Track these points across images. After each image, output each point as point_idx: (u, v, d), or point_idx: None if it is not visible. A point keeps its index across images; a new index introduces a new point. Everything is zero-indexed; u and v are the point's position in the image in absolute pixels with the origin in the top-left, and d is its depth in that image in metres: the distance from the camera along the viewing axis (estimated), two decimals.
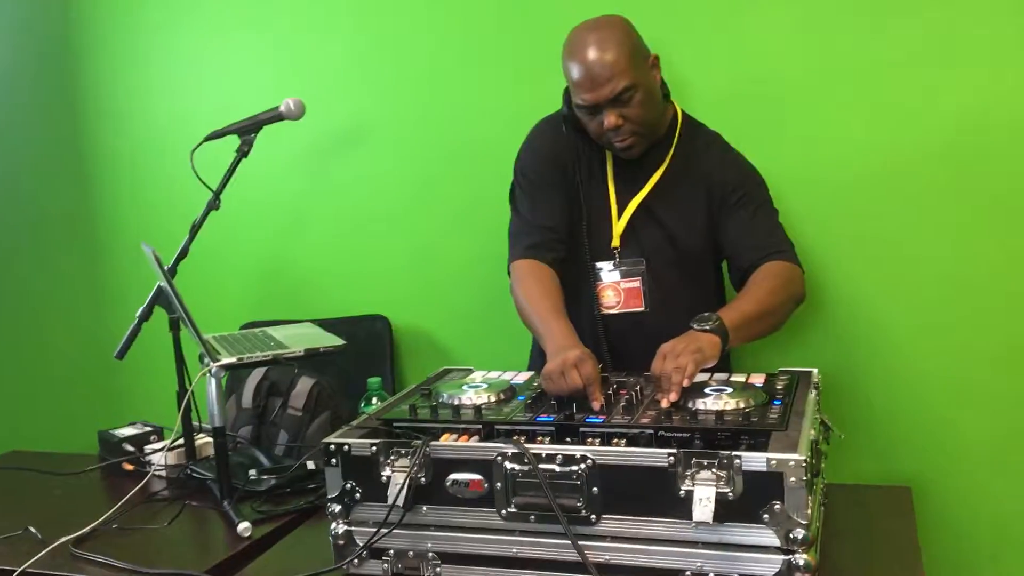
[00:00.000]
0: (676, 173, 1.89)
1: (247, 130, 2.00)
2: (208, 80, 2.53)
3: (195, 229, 1.94)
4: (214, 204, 1.94)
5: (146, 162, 2.63)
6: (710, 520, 1.22)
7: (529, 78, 2.21)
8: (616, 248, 1.90)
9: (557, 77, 1.82)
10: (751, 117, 2.07)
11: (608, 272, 1.90)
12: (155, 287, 1.90)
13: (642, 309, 1.88)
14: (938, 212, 2.00)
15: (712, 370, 1.60)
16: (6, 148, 2.71)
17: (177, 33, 2.55)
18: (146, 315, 1.90)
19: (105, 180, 2.68)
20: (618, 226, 1.89)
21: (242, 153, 1.99)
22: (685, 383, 1.45)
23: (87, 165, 2.69)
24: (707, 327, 1.59)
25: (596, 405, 1.46)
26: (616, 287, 1.90)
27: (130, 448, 2.03)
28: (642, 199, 1.88)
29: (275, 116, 2.04)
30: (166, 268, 1.79)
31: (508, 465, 1.33)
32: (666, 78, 1.88)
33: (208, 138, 1.97)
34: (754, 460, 1.22)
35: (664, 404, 1.43)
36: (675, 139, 1.90)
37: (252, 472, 1.83)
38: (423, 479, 1.37)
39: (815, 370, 1.62)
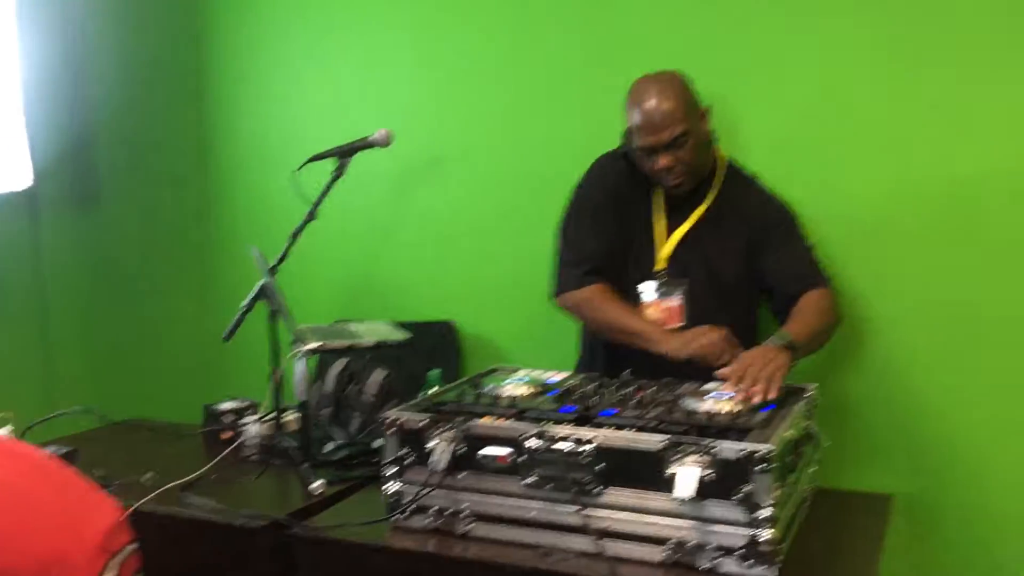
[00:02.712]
0: (719, 209, 2.14)
1: (343, 154, 2.34)
2: (314, 106, 2.90)
3: (294, 236, 2.28)
4: (311, 216, 2.28)
5: (257, 175, 3.01)
6: (692, 496, 1.47)
7: (590, 118, 2.49)
8: (661, 271, 2.15)
9: (615, 118, 2.10)
10: (789, 163, 2.31)
11: (652, 292, 2.16)
12: (258, 284, 2.25)
13: (682, 325, 2.12)
14: (947, 252, 2.20)
15: None
16: (139, 155, 3.03)
17: (292, 65, 2.93)
18: (250, 307, 2.24)
19: (223, 187, 3.07)
20: (664, 251, 2.15)
21: (338, 174, 2.33)
22: (772, 394, 1.67)
23: (208, 173, 3.09)
24: (783, 343, 1.82)
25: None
26: (658, 305, 2.16)
27: (229, 419, 2.37)
28: (687, 230, 2.14)
29: (367, 143, 2.38)
30: (269, 268, 2.13)
31: (531, 443, 1.61)
32: (717, 126, 2.14)
33: (310, 160, 2.32)
34: (729, 448, 1.47)
35: (757, 400, 1.66)
36: (720, 180, 2.15)
37: (328, 444, 2.16)
38: (461, 450, 1.66)
39: (811, 385, 1.84)
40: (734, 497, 1.45)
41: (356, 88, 2.84)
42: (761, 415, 1.63)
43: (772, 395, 1.68)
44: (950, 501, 2.23)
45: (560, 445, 1.57)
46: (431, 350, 2.61)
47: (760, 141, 2.33)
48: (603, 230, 2.16)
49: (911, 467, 2.25)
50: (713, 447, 1.47)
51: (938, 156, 2.19)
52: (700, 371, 1.87)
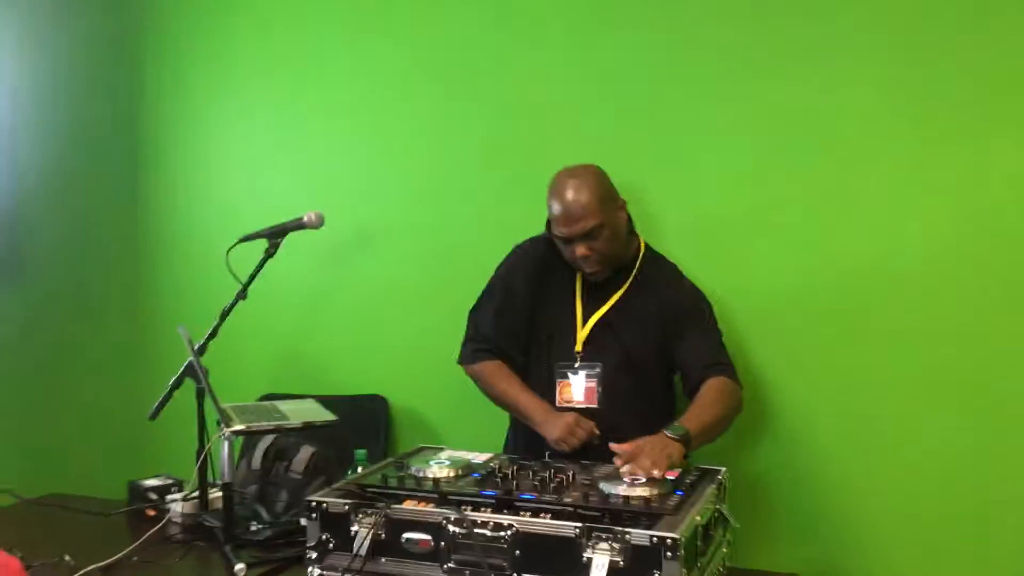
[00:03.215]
0: (635, 294, 2.23)
1: (275, 235, 2.38)
2: (247, 186, 2.95)
3: (224, 315, 2.31)
4: (242, 295, 2.32)
5: (187, 252, 3.04)
6: None
7: (519, 202, 2.58)
8: (579, 352, 2.24)
9: (538, 203, 2.20)
10: (705, 245, 2.43)
11: (571, 374, 2.24)
12: (186, 362, 2.27)
13: (596, 406, 2.20)
14: (848, 337, 2.33)
15: None
16: (69, 228, 3.03)
17: (224, 142, 2.98)
18: (177, 384, 2.26)
19: (154, 264, 3.09)
20: (581, 334, 2.24)
21: (269, 254, 2.36)
22: (657, 474, 1.75)
23: (139, 250, 3.11)
24: (676, 436, 1.89)
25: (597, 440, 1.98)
26: (576, 385, 2.23)
27: (153, 496, 2.36)
28: (603, 313, 2.23)
29: (299, 225, 2.43)
30: (196, 347, 2.15)
31: (451, 528, 1.65)
32: (635, 213, 2.24)
33: (241, 240, 2.36)
34: (640, 536, 1.53)
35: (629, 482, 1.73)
36: (636, 266, 2.25)
37: (253, 524, 2.16)
38: (383, 535, 1.69)
39: (723, 468, 1.92)
40: None
41: (287, 166, 2.91)
42: (674, 498, 1.69)
43: (657, 475, 1.75)
44: None
45: (479, 531, 1.62)
46: (361, 423, 2.64)
47: (675, 231, 2.45)
48: (506, 312, 2.28)
49: (819, 546, 2.34)
50: (626, 534, 1.53)
51: (836, 245, 2.33)
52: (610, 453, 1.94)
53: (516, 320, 2.27)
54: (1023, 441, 2.19)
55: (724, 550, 1.86)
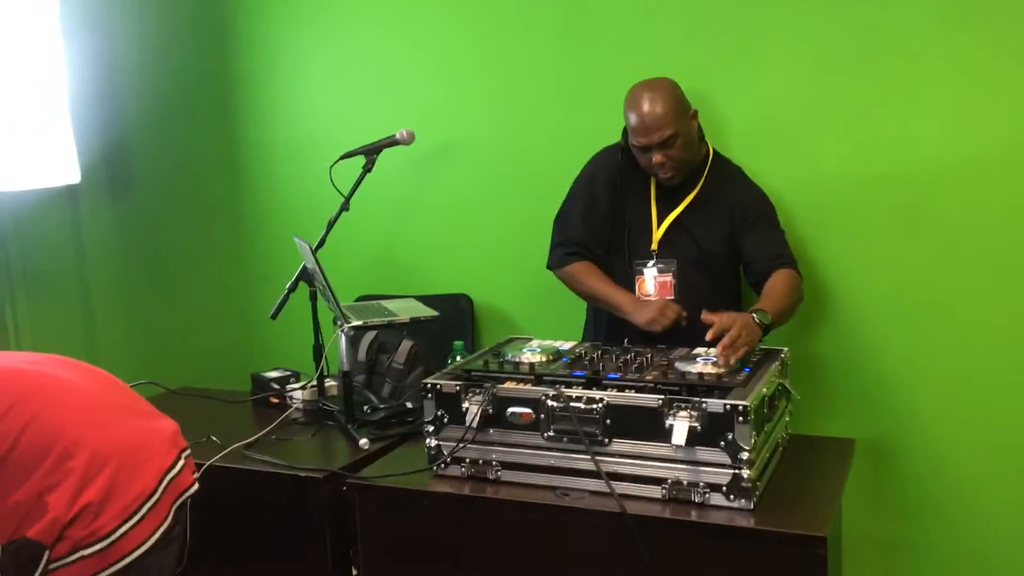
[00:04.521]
0: (705, 197, 2.43)
1: (371, 151, 2.62)
2: (342, 105, 3.16)
3: (331, 224, 2.57)
4: (345, 207, 2.57)
5: (281, 168, 3.28)
6: (683, 444, 1.79)
7: (591, 114, 2.76)
8: (654, 251, 2.46)
9: (614, 115, 2.40)
10: (767, 148, 2.60)
11: (647, 269, 2.46)
12: (300, 267, 2.54)
13: (672, 299, 2.40)
14: (900, 233, 2.51)
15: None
16: (172, 151, 3.26)
17: (310, 69, 3.19)
18: (293, 287, 2.54)
19: (251, 180, 3.35)
20: (657, 234, 2.45)
21: (367, 169, 2.61)
22: (739, 354, 1.95)
23: (237, 167, 3.37)
24: (763, 323, 2.07)
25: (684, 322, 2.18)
26: (653, 281, 2.46)
27: (275, 386, 2.67)
28: (677, 215, 2.44)
29: (392, 142, 2.65)
30: (314, 252, 2.40)
31: (549, 402, 1.92)
32: (702, 119, 2.43)
33: (343, 157, 2.60)
34: (715, 404, 1.78)
35: (722, 363, 1.93)
36: (706, 171, 2.44)
37: (366, 407, 2.47)
38: (490, 410, 1.97)
39: (785, 348, 2.15)
40: (719, 444, 1.77)
41: (372, 88, 3.10)
42: (742, 375, 1.94)
43: (738, 354, 1.95)
44: (903, 447, 2.57)
45: (574, 404, 1.89)
46: (449, 321, 2.90)
47: (741, 135, 2.62)
48: (591, 216, 2.47)
49: (870, 417, 2.58)
50: (702, 403, 1.78)
51: (892, 148, 2.49)
52: (684, 338, 2.17)
53: (600, 223, 2.46)
54: None
55: (787, 419, 2.11)
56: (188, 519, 1.79)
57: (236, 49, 3.30)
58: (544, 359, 2.12)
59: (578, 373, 2.01)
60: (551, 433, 1.92)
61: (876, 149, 2.50)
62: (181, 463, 1.77)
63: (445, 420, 2.02)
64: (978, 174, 2.41)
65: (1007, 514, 2.49)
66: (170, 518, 1.70)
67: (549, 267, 2.57)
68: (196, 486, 1.79)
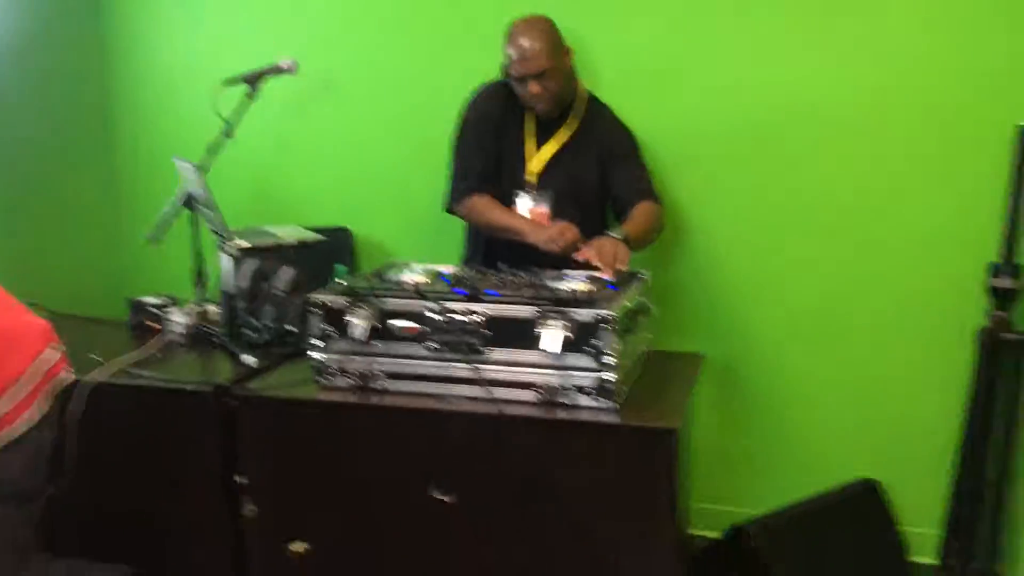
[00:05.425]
0: (579, 133, 2.60)
1: (254, 79, 2.65)
2: (225, 34, 3.16)
3: (211, 150, 2.58)
4: (228, 133, 2.59)
5: (155, 95, 3.27)
6: (557, 351, 1.96)
7: (469, 51, 2.89)
8: (531, 183, 2.61)
9: (493, 52, 2.53)
10: (637, 93, 2.80)
11: (523, 200, 2.62)
12: (179, 191, 2.55)
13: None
14: (754, 168, 2.77)
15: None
16: (45, 65, 3.15)
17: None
18: (178, 211, 2.55)
19: (123, 106, 3.31)
20: (533, 166, 2.61)
21: (249, 97, 2.64)
22: (622, 265, 2.17)
23: (109, 94, 3.31)
24: (619, 236, 2.29)
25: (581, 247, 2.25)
26: (529, 211, 2.61)
27: (154, 311, 2.68)
28: (555, 151, 2.60)
29: (276, 69, 2.68)
30: (197, 174, 2.42)
31: (432, 315, 2.05)
32: (579, 64, 2.59)
33: (225, 83, 2.62)
34: (584, 314, 1.96)
35: (608, 275, 2.15)
36: (583, 111, 2.61)
37: (247, 330, 2.52)
38: (377, 324, 2.09)
39: (645, 271, 2.36)
40: (586, 349, 1.95)
41: (258, 17, 3.13)
42: (607, 291, 2.12)
43: (623, 266, 2.17)
44: (747, 365, 2.88)
45: (456, 316, 2.03)
46: (330, 252, 2.97)
47: (612, 78, 2.81)
48: (485, 148, 2.59)
49: (720, 338, 2.86)
50: (572, 314, 1.96)
51: (747, 93, 2.74)
52: (554, 261, 2.35)
53: (493, 153, 2.59)
54: (880, 260, 2.71)
55: (648, 335, 2.32)
56: (65, 411, 1.90)
57: None
58: (426, 280, 2.24)
59: (459, 291, 2.14)
60: (434, 344, 2.05)
61: (733, 93, 2.75)
62: (55, 354, 1.82)
63: (331, 335, 2.12)
64: (822, 116, 2.69)
65: (833, 429, 2.82)
66: (43, 404, 1.76)
67: (450, 204, 2.63)
68: (72, 376, 1.86)
